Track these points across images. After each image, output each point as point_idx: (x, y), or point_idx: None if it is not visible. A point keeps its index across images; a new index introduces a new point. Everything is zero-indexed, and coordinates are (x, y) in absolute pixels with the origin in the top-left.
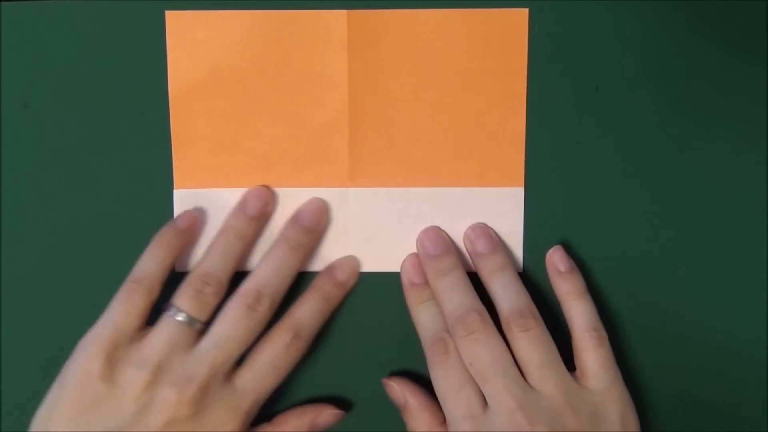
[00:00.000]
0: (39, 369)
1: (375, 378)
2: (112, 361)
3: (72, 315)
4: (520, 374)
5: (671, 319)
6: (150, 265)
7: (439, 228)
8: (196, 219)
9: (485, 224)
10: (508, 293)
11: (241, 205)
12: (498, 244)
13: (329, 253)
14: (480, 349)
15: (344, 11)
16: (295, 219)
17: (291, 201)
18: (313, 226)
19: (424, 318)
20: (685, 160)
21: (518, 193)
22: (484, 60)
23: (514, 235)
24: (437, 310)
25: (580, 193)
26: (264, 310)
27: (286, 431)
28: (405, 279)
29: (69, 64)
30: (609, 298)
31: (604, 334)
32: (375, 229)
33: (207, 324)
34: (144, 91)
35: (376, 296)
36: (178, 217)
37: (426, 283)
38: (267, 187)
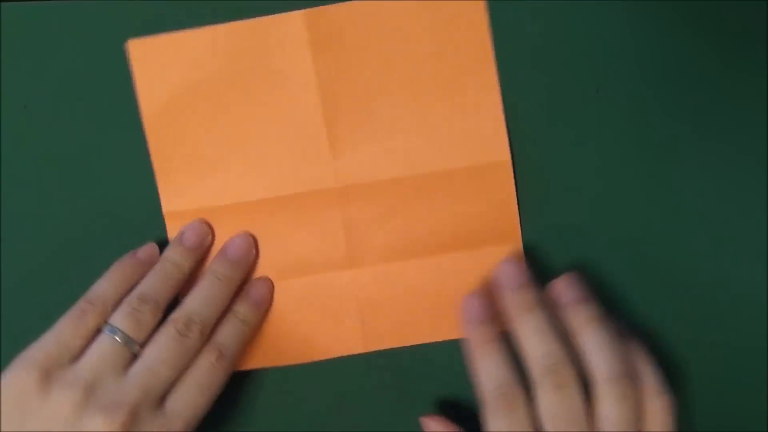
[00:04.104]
0: None
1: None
2: (49, 377)
3: None
4: None
5: (671, 320)
6: (106, 288)
7: (520, 262)
8: (156, 253)
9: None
10: (607, 352)
11: (179, 236)
12: (588, 296)
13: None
14: (566, 405)
15: (301, 11)
16: (222, 252)
17: (281, 208)
18: (239, 259)
19: (487, 364)
20: (685, 160)
21: (506, 165)
22: (449, 48)
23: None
24: (502, 356)
25: (580, 193)
26: (194, 336)
27: None
28: (467, 316)
29: (69, 64)
30: (609, 298)
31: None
32: (368, 224)
33: (143, 346)
34: None
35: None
36: (140, 249)
37: (489, 321)
38: (206, 222)
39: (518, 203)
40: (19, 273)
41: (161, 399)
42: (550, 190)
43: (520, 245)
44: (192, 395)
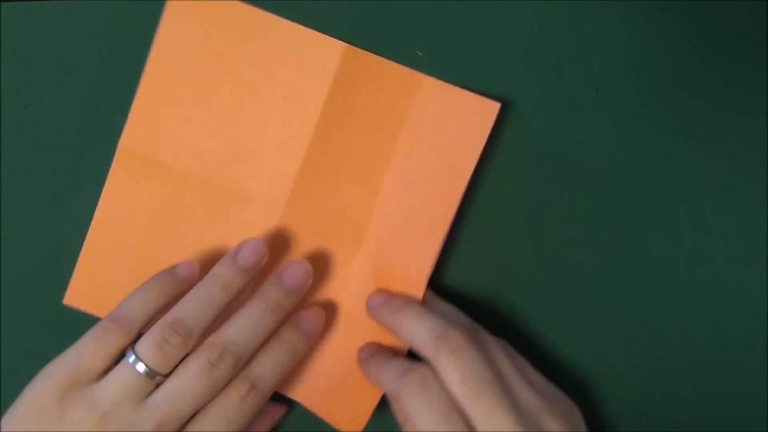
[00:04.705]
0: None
1: None
2: (66, 398)
3: (72, 315)
4: (508, 388)
5: (671, 320)
6: (134, 307)
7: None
8: (196, 272)
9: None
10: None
11: (233, 254)
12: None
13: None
14: (470, 365)
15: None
16: (277, 278)
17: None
18: (296, 289)
19: (388, 369)
20: (686, 159)
21: (350, 52)
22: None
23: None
24: (399, 360)
25: (580, 193)
26: (226, 368)
27: None
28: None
29: (69, 64)
30: (607, 300)
31: None
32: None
33: (168, 375)
34: None
35: None
36: (179, 265)
37: (378, 354)
38: (262, 241)
39: (518, 203)
40: (19, 273)
41: (179, 430)
42: (550, 189)
43: (432, 79)
44: (214, 430)
